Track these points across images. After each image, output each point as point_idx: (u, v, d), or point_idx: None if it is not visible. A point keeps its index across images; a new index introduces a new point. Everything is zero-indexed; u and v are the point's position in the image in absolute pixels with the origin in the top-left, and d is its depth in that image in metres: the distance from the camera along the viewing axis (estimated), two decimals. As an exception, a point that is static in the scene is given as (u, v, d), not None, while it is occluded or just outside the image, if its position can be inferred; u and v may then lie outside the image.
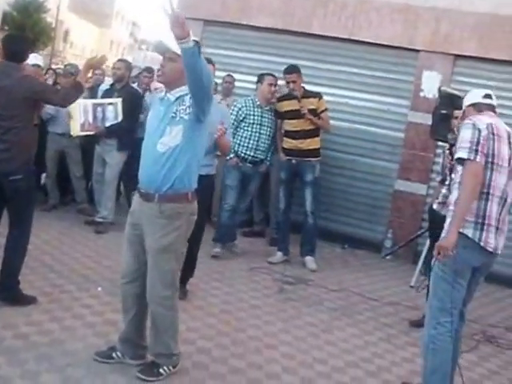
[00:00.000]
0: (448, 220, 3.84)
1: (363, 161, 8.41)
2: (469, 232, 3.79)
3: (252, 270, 6.62)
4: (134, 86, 8.12)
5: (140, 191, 3.85)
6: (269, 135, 7.13)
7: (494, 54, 7.96)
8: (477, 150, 3.74)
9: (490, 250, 3.83)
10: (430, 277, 4.10)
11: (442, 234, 3.84)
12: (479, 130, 3.78)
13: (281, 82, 7.42)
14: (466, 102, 4.18)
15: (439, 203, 5.44)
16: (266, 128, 7.10)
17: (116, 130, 7.11)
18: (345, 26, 8.55)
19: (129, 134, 7.21)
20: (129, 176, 7.21)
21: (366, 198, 8.46)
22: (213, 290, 5.79)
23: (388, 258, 8.01)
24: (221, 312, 5.27)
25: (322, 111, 7.13)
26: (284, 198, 7.17)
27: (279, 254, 7.11)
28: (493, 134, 3.83)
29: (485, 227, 3.81)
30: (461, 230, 3.74)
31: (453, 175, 4.21)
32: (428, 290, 5.53)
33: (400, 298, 6.40)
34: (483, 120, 3.87)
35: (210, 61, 4.90)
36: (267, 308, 5.56)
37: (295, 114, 6.97)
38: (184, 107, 3.72)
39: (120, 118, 7.11)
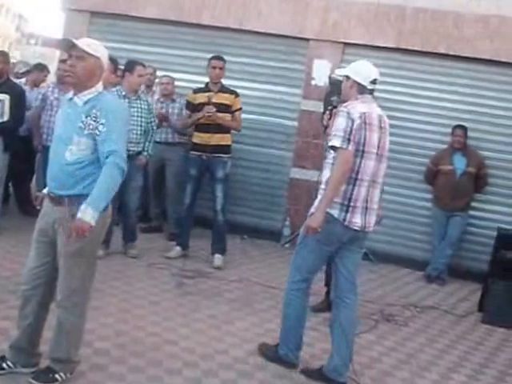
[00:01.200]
0: (319, 197, 4.14)
1: (258, 150, 8.45)
2: (335, 213, 4.10)
3: (150, 267, 6.50)
4: (18, 81, 7.76)
5: (49, 195, 3.65)
6: (140, 126, 6.77)
7: (381, 41, 8.17)
8: (349, 140, 4.02)
9: (356, 228, 4.16)
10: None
11: (311, 210, 4.16)
12: (352, 120, 4.04)
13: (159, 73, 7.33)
14: (355, 75, 4.25)
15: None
16: (135, 119, 6.70)
17: (1, 129, 6.72)
18: (235, 16, 8.55)
19: (13, 133, 6.85)
20: (19, 177, 6.93)
21: (262, 187, 8.52)
22: (110, 290, 5.62)
23: (287, 245, 8.09)
24: (119, 311, 5.12)
25: (237, 110, 7.04)
26: (190, 194, 6.97)
27: (177, 248, 6.99)
28: (365, 123, 4.09)
29: (350, 209, 4.12)
30: (328, 210, 4.06)
31: (326, 153, 4.33)
32: (327, 274, 5.70)
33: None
34: (358, 109, 4.10)
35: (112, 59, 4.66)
36: (166, 303, 5.47)
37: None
38: (94, 123, 3.50)
39: (6, 117, 6.69)
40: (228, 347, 4.66)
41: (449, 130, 7.69)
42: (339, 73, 4.44)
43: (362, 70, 4.30)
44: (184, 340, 4.69)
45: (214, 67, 6.84)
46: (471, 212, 7.84)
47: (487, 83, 8.01)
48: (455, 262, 7.82)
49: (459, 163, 7.53)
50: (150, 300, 5.50)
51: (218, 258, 6.87)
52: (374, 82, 4.29)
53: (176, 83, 8.03)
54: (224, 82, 7.02)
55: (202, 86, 7.06)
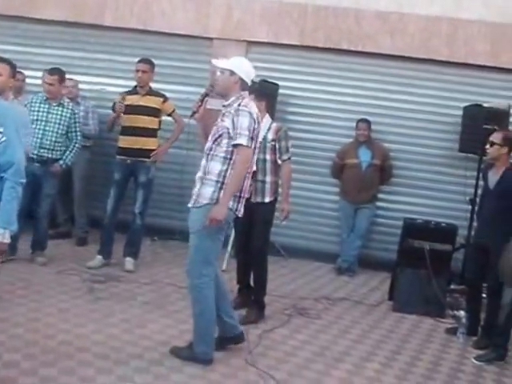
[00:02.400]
0: (208, 188, 4.36)
1: (168, 152, 8.36)
2: (229, 204, 4.37)
3: (60, 273, 6.33)
4: None
5: None
6: (56, 132, 6.63)
7: (285, 39, 8.25)
8: (252, 138, 4.36)
9: (240, 215, 4.58)
10: (191, 233, 4.58)
11: (193, 202, 4.50)
12: (254, 120, 4.36)
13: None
14: (240, 71, 4.42)
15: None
16: (52, 125, 6.60)
17: None
18: (138, 16, 8.45)
19: None
20: None
21: (172, 188, 8.44)
22: (18, 299, 5.45)
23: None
24: (28, 321, 4.97)
25: (172, 112, 7.01)
26: (113, 199, 6.79)
27: (99, 257, 6.78)
28: (258, 122, 4.47)
29: (240, 199, 4.48)
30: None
31: (213, 146, 4.41)
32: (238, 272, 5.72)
33: (213, 283, 6.43)
34: (253, 108, 4.44)
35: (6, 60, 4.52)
36: (77, 310, 5.35)
37: (135, 109, 6.70)
38: None
39: None
40: (143, 351, 4.61)
41: (353, 124, 7.86)
42: (221, 65, 4.47)
43: (246, 67, 4.51)
44: (97, 346, 4.60)
45: (138, 70, 6.77)
46: (378, 203, 8.06)
47: (389, 77, 8.23)
48: (364, 253, 8.01)
49: (364, 156, 7.72)
50: (61, 307, 5.37)
51: (128, 262, 6.76)
52: (252, 80, 4.55)
53: (79, 86, 7.85)
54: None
55: (129, 89, 7.01)
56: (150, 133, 6.80)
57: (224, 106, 4.47)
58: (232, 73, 4.40)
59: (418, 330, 5.98)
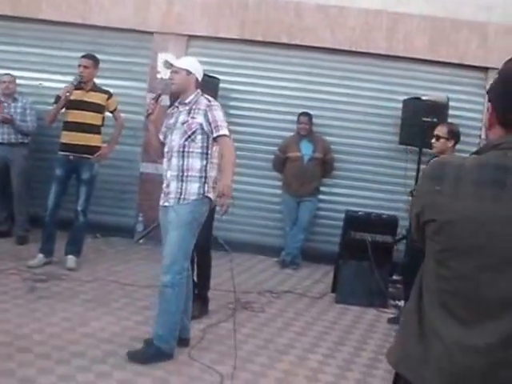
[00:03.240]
0: (193, 184, 4.45)
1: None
2: (211, 196, 4.58)
3: (0, 273, 6.18)
4: None
5: None
6: None
7: (225, 33, 8.23)
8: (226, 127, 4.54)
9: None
10: (173, 230, 4.46)
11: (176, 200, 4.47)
12: (222, 110, 4.58)
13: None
14: (195, 71, 4.60)
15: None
16: None
17: None
18: (76, 10, 8.31)
19: None
20: None
21: (113, 184, 8.36)
22: (-46, 302, 5.32)
23: (141, 241, 8.00)
24: (-35, 323, 4.84)
25: (114, 110, 6.89)
26: (55, 196, 6.61)
27: (40, 256, 6.61)
28: None
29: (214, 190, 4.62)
30: (207, 194, 4.54)
31: (186, 143, 4.49)
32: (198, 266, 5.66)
33: (155, 279, 6.28)
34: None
35: None
36: (18, 310, 5.22)
37: (79, 105, 6.54)
38: None
39: None
40: (85, 349, 4.52)
41: (294, 118, 7.90)
42: (178, 65, 4.56)
43: (199, 66, 4.67)
44: (38, 346, 4.50)
45: (79, 65, 6.62)
46: (320, 196, 8.14)
47: (329, 71, 8.31)
48: (308, 246, 8.07)
49: (306, 149, 7.77)
50: (1, 308, 5.23)
51: (70, 259, 6.64)
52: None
53: (17, 81, 7.67)
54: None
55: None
56: (94, 129, 6.69)
57: (184, 103, 4.55)
58: (188, 72, 4.54)
59: (361, 321, 6.05)
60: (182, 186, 4.48)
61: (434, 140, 5.60)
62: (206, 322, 5.34)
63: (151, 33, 8.31)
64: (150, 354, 4.45)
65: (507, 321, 1.68)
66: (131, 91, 8.38)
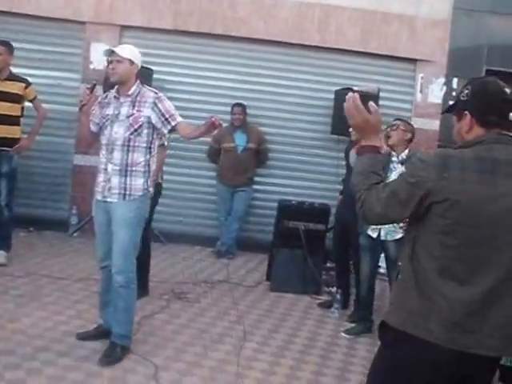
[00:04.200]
0: (138, 180, 4.38)
1: (39, 139, 8.06)
2: (150, 189, 4.58)
3: None
4: None
5: None
6: None
7: (158, 23, 8.17)
8: None
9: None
10: (121, 228, 4.36)
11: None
12: None
13: None
14: (137, 61, 4.47)
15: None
16: None
17: None
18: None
19: None
20: None
21: (45, 176, 8.21)
22: None
23: (75, 234, 7.91)
24: None
25: (34, 99, 6.61)
26: None
27: None
28: None
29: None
30: (150, 189, 4.53)
31: (132, 137, 4.38)
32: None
33: (89, 272, 6.28)
34: None
35: None
36: None
37: None
38: None
39: None
40: (15, 346, 4.44)
41: (228, 109, 7.91)
42: (122, 54, 4.36)
43: (139, 57, 4.53)
44: (-35, 345, 4.42)
45: None
46: (255, 186, 8.19)
47: (263, 62, 8.34)
48: (243, 236, 8.12)
49: (240, 140, 7.81)
50: None
51: (1, 255, 6.49)
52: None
53: None
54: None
55: None
56: (13, 120, 6.42)
57: (127, 95, 4.41)
58: (131, 62, 4.40)
59: (295, 308, 6.15)
60: (126, 181, 4.37)
61: (389, 129, 5.55)
62: (141, 314, 5.30)
63: (83, 22, 8.16)
64: (120, 353, 4.42)
65: (493, 277, 2.26)
66: (64, 82, 8.24)
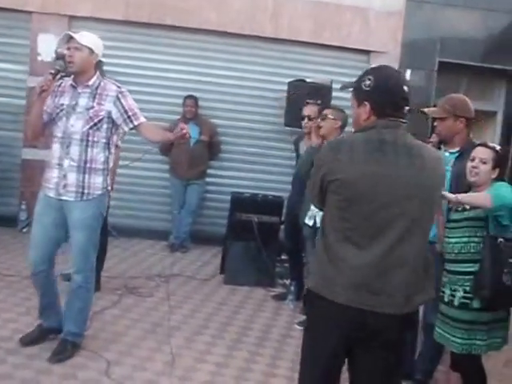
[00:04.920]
0: (97, 178, 4.20)
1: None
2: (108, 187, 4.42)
3: None
4: None
5: None
6: None
7: (108, 14, 8.03)
8: None
9: None
10: (80, 229, 4.21)
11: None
12: None
13: None
14: (98, 50, 4.19)
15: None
16: None
17: None
18: None
19: None
20: None
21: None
22: None
23: (25, 230, 7.72)
24: None
25: None
26: None
27: None
28: None
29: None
30: (109, 188, 4.37)
31: (91, 131, 4.16)
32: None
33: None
34: None
35: None
36: None
37: None
38: None
39: None
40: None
41: (180, 101, 7.83)
42: (83, 42, 4.09)
43: (100, 46, 4.26)
44: None
45: None
46: (208, 179, 8.13)
47: (215, 53, 8.27)
48: (196, 229, 8.06)
49: (192, 132, 7.59)
50: None
51: None
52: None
53: None
54: None
55: None
56: None
57: (86, 85, 4.17)
58: (91, 51, 4.14)
59: (249, 301, 6.12)
60: (84, 178, 4.14)
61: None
62: (92, 309, 5.20)
63: (30, 12, 7.96)
64: (71, 350, 4.32)
65: (387, 243, 2.55)
66: (11, 74, 8.04)
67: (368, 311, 2.57)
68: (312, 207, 5.36)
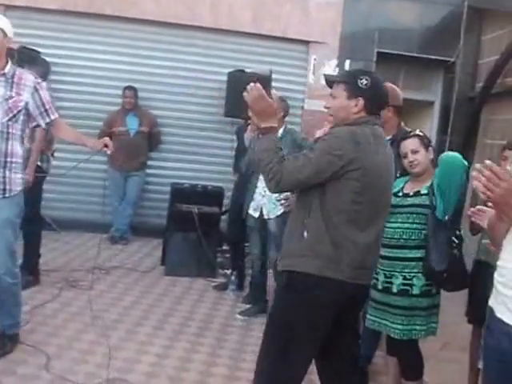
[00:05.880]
0: (17, 174, 4.03)
1: None
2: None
3: None
4: None
5: None
6: None
7: (45, 3, 7.90)
8: None
9: None
10: (2, 227, 4.03)
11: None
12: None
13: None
14: (10, 33, 3.90)
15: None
16: None
17: None
18: None
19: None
20: None
21: None
22: None
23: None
24: None
25: None
26: None
27: None
28: None
29: None
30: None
31: (10, 123, 3.97)
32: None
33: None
34: None
35: None
36: None
37: None
38: None
39: None
40: None
41: (119, 92, 7.77)
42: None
43: (11, 28, 3.95)
44: None
45: None
46: (148, 170, 8.11)
47: (154, 44, 8.23)
48: (137, 221, 8.05)
49: (132, 123, 7.69)
50: None
51: None
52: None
53: None
54: None
55: None
56: None
57: (3, 74, 3.92)
58: (4, 34, 3.84)
59: (190, 292, 6.16)
60: (5, 174, 3.93)
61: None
62: (32, 304, 5.17)
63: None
64: (9, 346, 4.27)
65: (378, 226, 3.02)
66: None
67: (360, 284, 2.98)
68: (257, 198, 5.42)
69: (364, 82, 2.98)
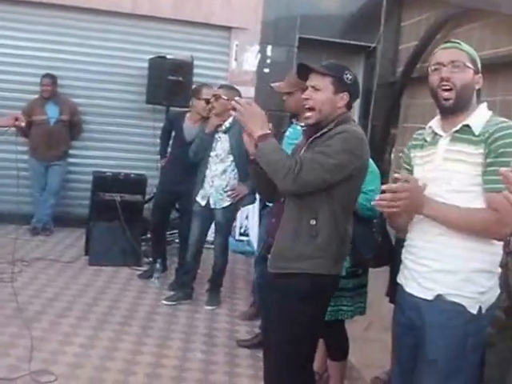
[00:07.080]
0: None
1: None
2: None
3: None
4: None
5: None
6: None
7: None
8: None
9: None
10: None
11: None
12: None
13: None
14: None
15: None
16: None
17: None
18: None
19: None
20: None
21: None
22: None
23: None
24: None
25: None
26: None
27: None
28: None
29: None
30: None
31: None
32: None
33: None
34: None
35: None
36: None
37: None
38: None
39: None
40: None
41: (38, 80, 7.58)
42: None
43: None
44: None
45: None
46: (70, 159, 7.96)
47: (72, 30, 8.06)
48: (59, 211, 7.90)
49: (52, 112, 7.52)
50: None
51: None
52: None
53: None
54: None
55: None
56: None
57: None
58: None
59: (114, 281, 6.12)
60: None
61: (212, 99, 5.37)
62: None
63: None
64: None
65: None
66: None
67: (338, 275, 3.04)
68: (206, 187, 5.40)
69: (349, 77, 2.98)
